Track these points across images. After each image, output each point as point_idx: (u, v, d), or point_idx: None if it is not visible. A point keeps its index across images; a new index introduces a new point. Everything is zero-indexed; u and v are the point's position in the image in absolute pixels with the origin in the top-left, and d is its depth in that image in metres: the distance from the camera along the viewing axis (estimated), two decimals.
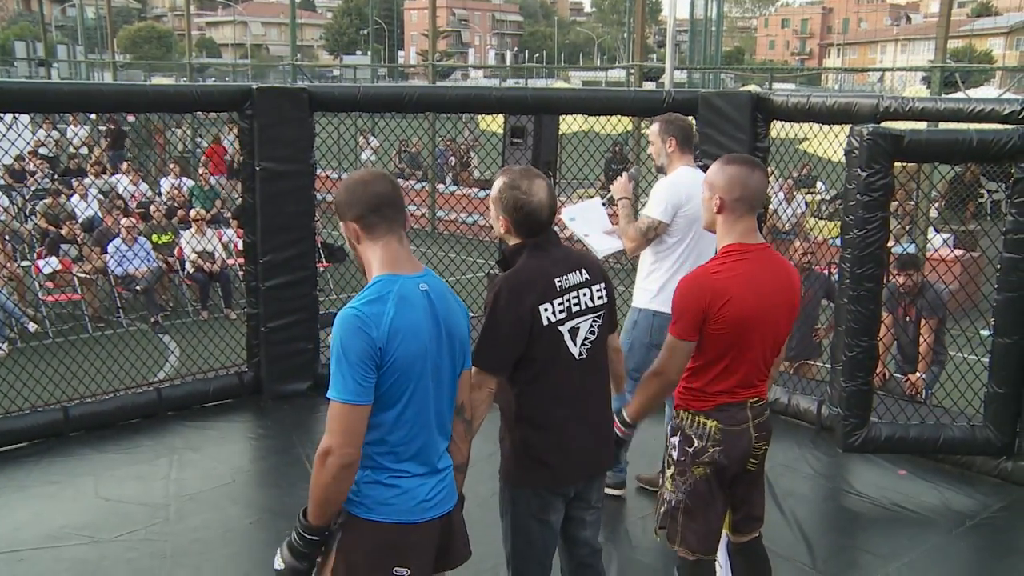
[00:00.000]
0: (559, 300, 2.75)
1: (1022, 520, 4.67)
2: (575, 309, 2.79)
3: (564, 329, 2.76)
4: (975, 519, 4.64)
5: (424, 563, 2.47)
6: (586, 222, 4.68)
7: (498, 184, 2.81)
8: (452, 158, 18.51)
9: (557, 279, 2.76)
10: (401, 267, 2.43)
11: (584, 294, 2.81)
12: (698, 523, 3.07)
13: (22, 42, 35.64)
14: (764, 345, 3.03)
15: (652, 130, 4.59)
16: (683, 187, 4.35)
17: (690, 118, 4.80)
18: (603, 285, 2.89)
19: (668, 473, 3.14)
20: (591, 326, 2.83)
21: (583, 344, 2.81)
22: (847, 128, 4.90)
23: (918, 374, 6.13)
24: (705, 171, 3.19)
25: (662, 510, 3.16)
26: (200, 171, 13.64)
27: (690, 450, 3.04)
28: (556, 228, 2.94)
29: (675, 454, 3.10)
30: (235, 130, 15.42)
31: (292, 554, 2.43)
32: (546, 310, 2.72)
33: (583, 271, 2.83)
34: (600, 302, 2.85)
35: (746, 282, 2.97)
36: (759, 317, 2.97)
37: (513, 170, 2.83)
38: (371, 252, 2.45)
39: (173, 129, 17.59)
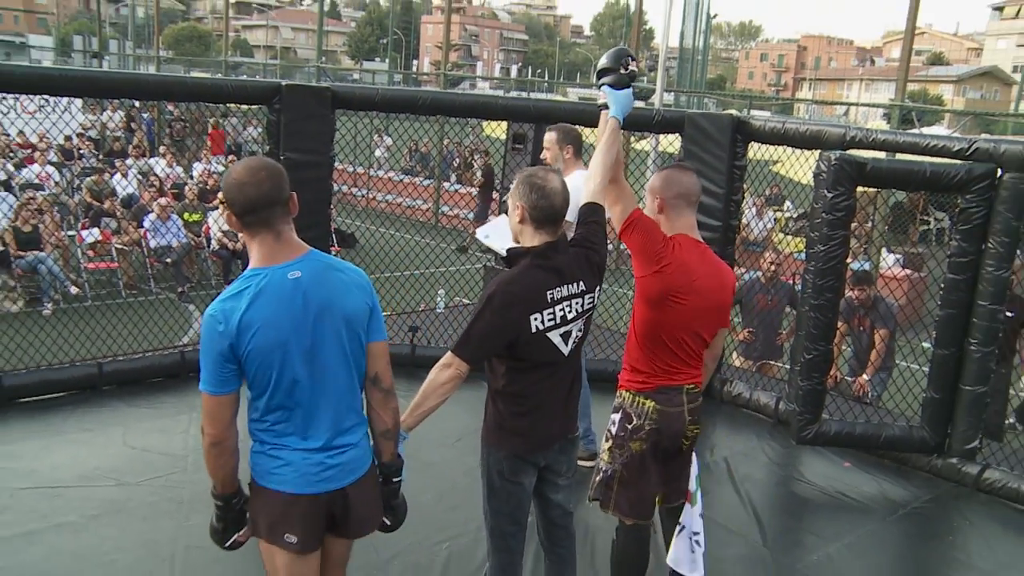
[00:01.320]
0: (548, 311, 2.71)
1: (947, 510, 4.72)
2: (570, 316, 2.77)
3: (555, 334, 2.74)
4: (907, 508, 4.68)
5: (311, 532, 2.39)
6: (500, 237, 4.36)
7: (515, 181, 2.79)
8: (457, 159, 18.48)
9: (549, 291, 2.72)
10: (275, 258, 2.30)
11: (576, 303, 2.78)
12: (631, 491, 3.09)
13: (79, 36, 35.48)
14: (691, 324, 3.01)
15: (549, 138, 4.48)
16: (577, 193, 4.33)
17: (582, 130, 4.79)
18: (597, 291, 2.87)
19: (606, 446, 3.14)
20: (580, 327, 2.83)
21: (572, 343, 2.81)
22: (816, 153, 4.91)
23: (864, 377, 6.16)
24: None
25: (597, 479, 3.16)
26: (229, 158, 13.58)
27: (629, 427, 3.06)
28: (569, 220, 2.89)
29: (614, 429, 3.11)
30: (236, 120, 15.28)
31: (213, 515, 2.49)
32: (535, 319, 2.69)
33: (580, 283, 2.79)
34: (589, 306, 2.85)
35: (684, 262, 2.99)
36: (690, 296, 2.96)
37: (530, 169, 2.84)
38: (249, 244, 2.33)
39: (208, 119, 17.54)
